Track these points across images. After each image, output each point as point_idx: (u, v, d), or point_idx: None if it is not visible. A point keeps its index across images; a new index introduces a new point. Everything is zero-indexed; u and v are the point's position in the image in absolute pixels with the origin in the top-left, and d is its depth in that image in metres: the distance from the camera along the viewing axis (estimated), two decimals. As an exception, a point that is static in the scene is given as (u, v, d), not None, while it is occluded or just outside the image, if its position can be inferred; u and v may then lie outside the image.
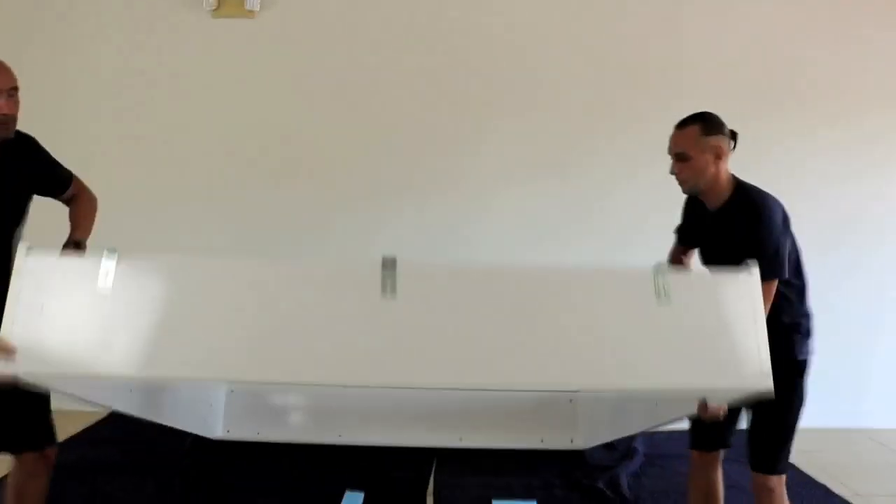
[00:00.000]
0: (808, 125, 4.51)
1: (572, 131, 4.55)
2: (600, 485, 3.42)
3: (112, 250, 1.92)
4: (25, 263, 1.90)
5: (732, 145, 2.39)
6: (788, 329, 2.37)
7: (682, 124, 2.39)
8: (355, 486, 3.39)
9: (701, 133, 2.34)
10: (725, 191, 2.38)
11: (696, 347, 1.98)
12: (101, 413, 4.29)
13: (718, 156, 2.35)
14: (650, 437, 4.18)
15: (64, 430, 3.90)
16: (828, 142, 4.52)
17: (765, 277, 2.17)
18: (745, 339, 1.96)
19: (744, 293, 2.00)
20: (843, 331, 4.32)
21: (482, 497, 3.36)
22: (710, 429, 2.44)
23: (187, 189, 4.54)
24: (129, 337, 1.91)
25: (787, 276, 2.30)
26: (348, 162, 4.55)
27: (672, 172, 2.42)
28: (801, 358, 2.40)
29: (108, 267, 1.90)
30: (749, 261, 2.05)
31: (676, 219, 2.69)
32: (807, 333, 2.43)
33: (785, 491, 2.42)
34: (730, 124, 2.41)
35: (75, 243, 2.28)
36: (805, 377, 2.41)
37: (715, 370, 1.97)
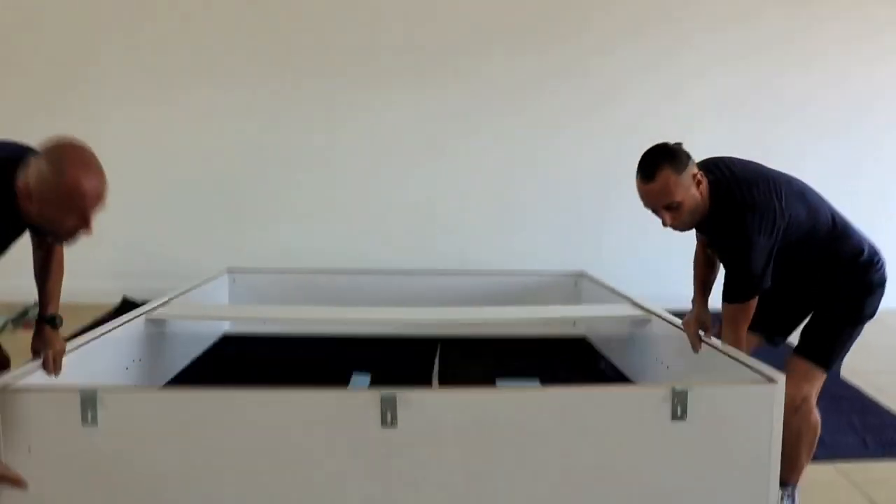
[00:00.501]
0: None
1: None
2: (601, 366, 3.49)
3: (93, 391, 1.85)
4: (4, 405, 1.84)
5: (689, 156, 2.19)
6: (852, 259, 2.25)
7: (650, 175, 2.12)
8: (362, 370, 3.47)
9: (675, 174, 2.10)
10: (707, 205, 2.21)
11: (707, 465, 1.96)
12: (108, 305, 4.40)
13: (698, 181, 2.15)
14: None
15: (76, 323, 4.00)
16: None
17: (735, 300, 2.23)
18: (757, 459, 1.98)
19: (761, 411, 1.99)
20: None
21: (486, 377, 3.44)
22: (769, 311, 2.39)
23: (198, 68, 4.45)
24: (121, 477, 1.87)
25: (762, 289, 2.21)
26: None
27: (665, 225, 2.19)
28: (869, 279, 2.25)
29: (90, 402, 1.83)
30: (770, 374, 2.03)
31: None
32: (873, 255, 2.27)
33: (814, 413, 2.26)
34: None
35: (50, 320, 2.15)
36: (875, 295, 2.25)
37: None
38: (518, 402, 1.91)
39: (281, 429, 1.87)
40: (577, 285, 4.08)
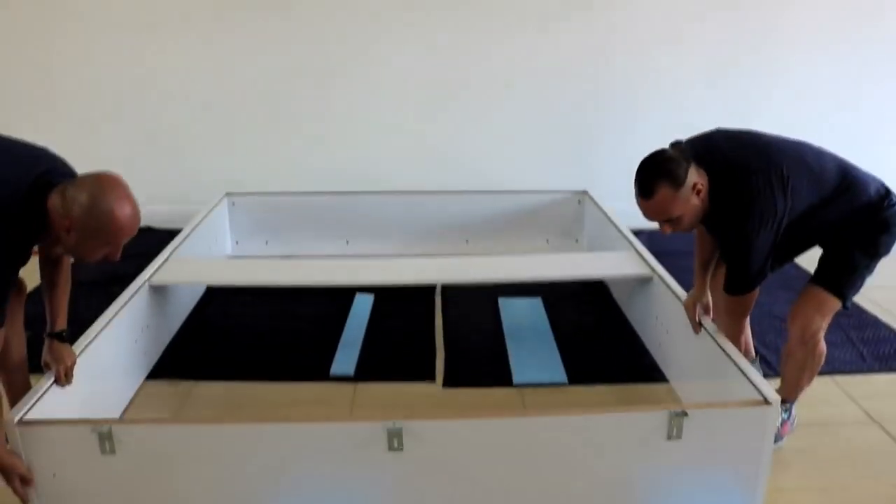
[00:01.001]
0: None
1: None
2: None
3: (107, 428, 1.89)
4: (26, 437, 1.89)
5: (688, 160, 2.10)
6: (862, 208, 2.20)
7: (648, 193, 2.08)
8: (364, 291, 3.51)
9: (673, 190, 2.06)
10: (707, 203, 2.15)
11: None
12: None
13: (699, 190, 2.09)
14: (653, 235, 4.26)
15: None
16: None
17: (735, 292, 2.24)
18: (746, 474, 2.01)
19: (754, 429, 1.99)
20: None
21: (488, 296, 3.48)
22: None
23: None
24: (142, 499, 1.97)
25: (758, 285, 2.21)
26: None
27: (664, 234, 2.19)
28: (883, 217, 2.21)
29: (106, 436, 1.89)
30: (766, 393, 2.01)
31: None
32: (885, 195, 2.22)
33: (821, 344, 2.29)
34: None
35: (59, 335, 2.20)
36: (890, 233, 2.22)
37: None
38: (517, 427, 1.96)
39: (290, 458, 1.95)
40: (580, 203, 4.08)
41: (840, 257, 2.24)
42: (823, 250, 2.32)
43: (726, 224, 2.16)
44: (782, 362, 2.38)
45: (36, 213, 1.87)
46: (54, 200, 1.86)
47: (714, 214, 2.18)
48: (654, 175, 2.08)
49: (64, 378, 2.15)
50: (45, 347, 2.21)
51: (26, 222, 1.86)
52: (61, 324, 2.23)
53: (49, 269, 2.22)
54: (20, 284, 2.25)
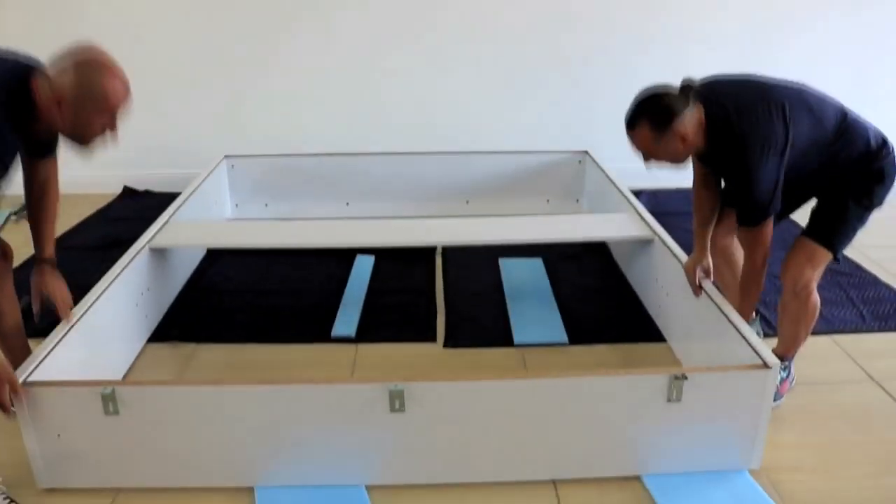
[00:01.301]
0: None
1: None
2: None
3: (111, 390, 1.90)
4: (27, 400, 1.90)
5: (690, 103, 2.09)
6: (859, 158, 2.18)
7: (630, 126, 2.14)
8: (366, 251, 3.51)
9: (654, 132, 2.09)
10: (702, 140, 2.14)
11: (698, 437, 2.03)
12: (108, 195, 4.39)
13: (683, 138, 2.09)
14: (655, 195, 4.25)
15: (79, 213, 4.02)
16: None
17: (747, 224, 2.19)
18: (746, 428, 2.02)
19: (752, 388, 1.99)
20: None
21: (489, 257, 3.48)
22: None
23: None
24: (145, 456, 1.99)
25: (773, 213, 2.14)
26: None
27: (646, 166, 2.23)
28: (878, 167, 2.19)
29: (109, 398, 1.90)
30: (765, 357, 1.99)
31: None
32: (882, 145, 2.20)
33: (814, 295, 2.28)
34: None
35: (49, 262, 2.19)
36: (885, 184, 2.21)
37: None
38: (518, 388, 1.96)
39: (292, 420, 1.97)
40: (581, 164, 4.06)
41: (832, 208, 2.24)
42: (817, 201, 2.31)
43: (729, 158, 2.13)
44: (779, 318, 2.40)
45: (19, 97, 1.83)
46: (38, 80, 1.84)
47: (716, 151, 2.17)
48: (641, 111, 2.12)
49: (68, 314, 2.17)
50: (35, 273, 2.20)
51: (9, 106, 1.81)
52: (50, 251, 2.22)
53: (36, 189, 2.19)
54: (6, 249, 2.24)
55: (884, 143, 2.21)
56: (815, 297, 2.29)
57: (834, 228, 2.23)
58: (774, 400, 2.32)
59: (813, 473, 2.09)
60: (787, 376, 2.41)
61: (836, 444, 2.21)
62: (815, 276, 2.26)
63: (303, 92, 4.37)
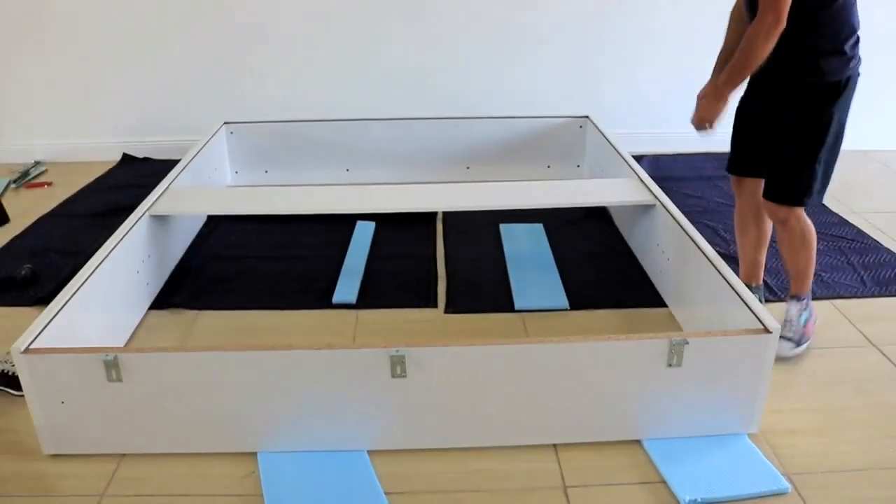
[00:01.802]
0: None
1: None
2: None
3: (111, 355, 1.90)
4: (32, 366, 1.91)
5: None
6: (818, 52, 2.15)
7: None
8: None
9: None
10: None
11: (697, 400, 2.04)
12: (108, 162, 4.37)
13: None
14: (656, 160, 4.23)
15: (78, 181, 4.00)
16: None
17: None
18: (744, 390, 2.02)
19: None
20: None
21: (489, 222, 3.47)
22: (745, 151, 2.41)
23: None
24: (148, 421, 2.00)
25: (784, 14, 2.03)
26: None
27: None
28: (833, 79, 2.17)
29: (112, 364, 1.91)
30: (766, 321, 1.97)
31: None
32: (844, 54, 2.16)
33: (801, 224, 2.33)
34: None
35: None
36: (841, 100, 2.19)
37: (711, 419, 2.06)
38: (520, 353, 1.97)
39: (294, 386, 1.98)
40: (581, 129, 4.03)
41: (790, 160, 2.25)
42: (773, 154, 2.31)
43: None
44: (782, 257, 2.47)
45: None
46: None
47: None
48: None
49: None
50: None
51: None
52: None
53: None
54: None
55: (846, 40, 2.16)
56: (806, 223, 2.33)
57: (786, 180, 2.27)
58: (800, 345, 2.35)
59: (812, 437, 2.10)
60: (810, 317, 2.43)
61: (834, 409, 2.22)
62: (792, 220, 2.31)
63: (302, 57, 4.33)
